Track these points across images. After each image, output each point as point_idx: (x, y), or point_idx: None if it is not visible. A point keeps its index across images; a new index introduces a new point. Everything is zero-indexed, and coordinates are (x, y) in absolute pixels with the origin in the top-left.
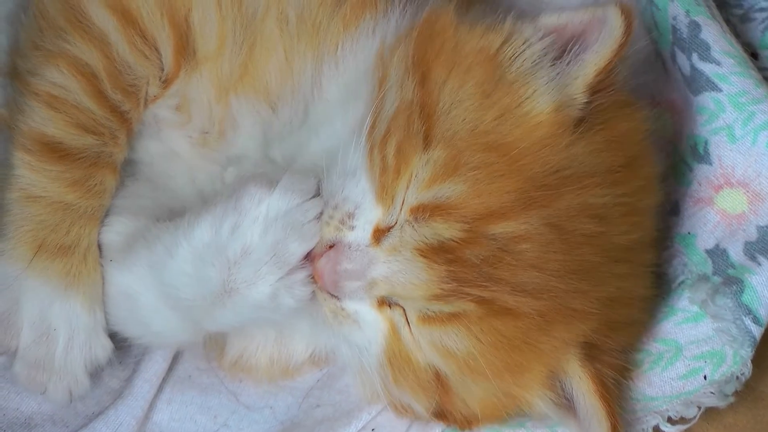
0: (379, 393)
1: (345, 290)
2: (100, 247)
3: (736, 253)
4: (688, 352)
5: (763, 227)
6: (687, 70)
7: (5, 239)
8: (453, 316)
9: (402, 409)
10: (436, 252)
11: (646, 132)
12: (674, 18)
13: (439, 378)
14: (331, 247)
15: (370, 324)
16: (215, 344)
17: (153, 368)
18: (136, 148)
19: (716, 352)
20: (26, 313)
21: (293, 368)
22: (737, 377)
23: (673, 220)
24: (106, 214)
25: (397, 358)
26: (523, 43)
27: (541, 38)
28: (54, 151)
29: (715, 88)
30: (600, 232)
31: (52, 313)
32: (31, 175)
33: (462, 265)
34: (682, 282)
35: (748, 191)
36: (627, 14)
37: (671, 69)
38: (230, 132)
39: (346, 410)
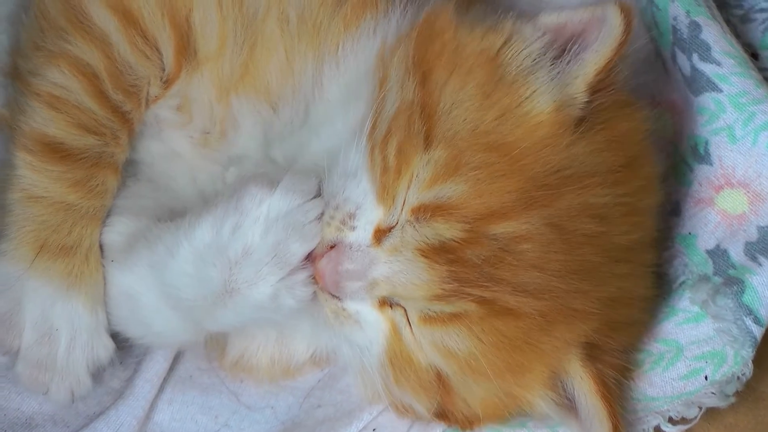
0: (380, 393)
1: (346, 291)
2: (101, 247)
3: (736, 254)
4: (689, 352)
5: (763, 227)
6: (687, 70)
7: (7, 240)
8: (454, 317)
9: (403, 410)
10: (437, 252)
11: (646, 132)
12: (675, 18)
13: (440, 378)
14: (332, 247)
15: (371, 324)
16: (216, 344)
17: (154, 368)
18: (138, 148)
19: (717, 353)
20: (28, 313)
21: (294, 368)
22: (738, 377)
23: (674, 221)
24: (108, 215)
25: (398, 359)
26: (523, 43)
27: (541, 37)
28: (55, 151)
29: (715, 88)
30: (601, 232)
31: (54, 313)
32: (33, 175)
33: (463, 265)
34: (683, 282)
35: (748, 192)
36: (626, 13)
37: (672, 69)
38: (231, 132)
39: (347, 410)
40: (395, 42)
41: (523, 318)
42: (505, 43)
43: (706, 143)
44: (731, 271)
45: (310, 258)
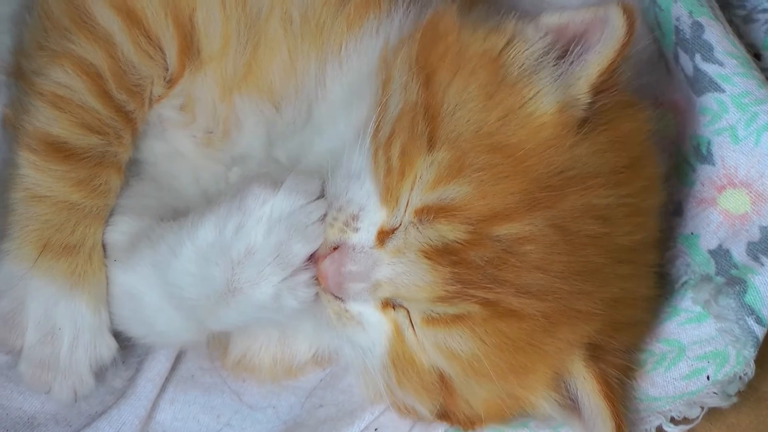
0: (382, 394)
1: (349, 292)
2: (104, 246)
3: (738, 254)
4: (691, 352)
5: (765, 227)
6: (690, 70)
7: (10, 239)
8: (457, 318)
9: (405, 410)
10: (441, 254)
11: (649, 132)
12: (677, 19)
13: (442, 379)
14: (335, 248)
15: (373, 326)
16: (218, 344)
17: (156, 368)
18: (141, 147)
19: (719, 353)
20: (31, 312)
21: (296, 368)
22: (740, 377)
23: (676, 221)
24: (111, 214)
25: (400, 360)
26: (525, 43)
27: (543, 38)
28: (59, 150)
29: (718, 88)
30: (604, 233)
31: (57, 312)
32: (36, 174)
33: (466, 266)
34: (685, 282)
35: (750, 192)
36: (629, 14)
37: (674, 69)
38: (234, 131)
39: (349, 410)
40: (398, 43)
41: (526, 319)
42: (507, 43)
43: (709, 143)
44: (733, 271)
45: (313, 259)
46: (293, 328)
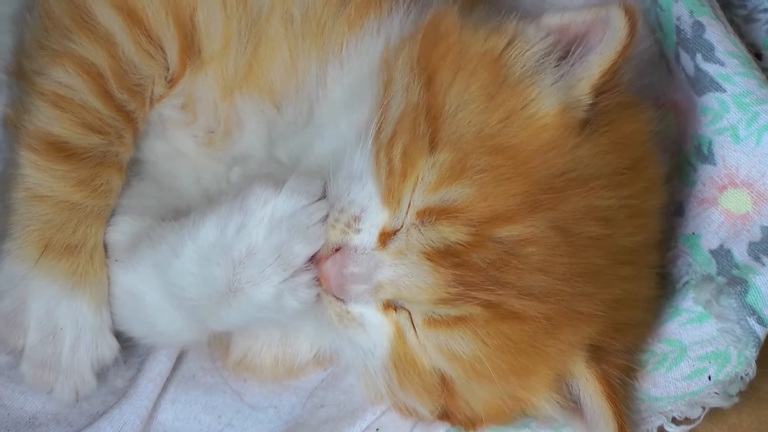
0: (383, 395)
1: (351, 293)
2: (105, 246)
3: (740, 254)
4: (693, 352)
5: (767, 227)
6: (691, 70)
7: (11, 239)
8: (459, 320)
9: (406, 411)
10: (443, 256)
11: (650, 133)
12: (678, 18)
13: (443, 381)
14: (337, 250)
15: (375, 327)
16: (220, 344)
17: (157, 368)
18: (142, 147)
19: (721, 353)
20: (33, 312)
21: (298, 368)
22: (741, 378)
23: (678, 221)
24: (112, 214)
25: (402, 362)
26: (527, 44)
27: (544, 38)
28: (60, 150)
29: (719, 88)
30: (606, 235)
31: (58, 312)
32: (38, 174)
33: (468, 268)
34: (687, 282)
35: (752, 192)
36: (631, 15)
37: (675, 69)
38: (235, 131)
39: (350, 410)
40: (399, 44)
41: (528, 321)
42: (508, 44)
43: (710, 143)
44: (735, 271)
45: (315, 260)
46: (295, 328)
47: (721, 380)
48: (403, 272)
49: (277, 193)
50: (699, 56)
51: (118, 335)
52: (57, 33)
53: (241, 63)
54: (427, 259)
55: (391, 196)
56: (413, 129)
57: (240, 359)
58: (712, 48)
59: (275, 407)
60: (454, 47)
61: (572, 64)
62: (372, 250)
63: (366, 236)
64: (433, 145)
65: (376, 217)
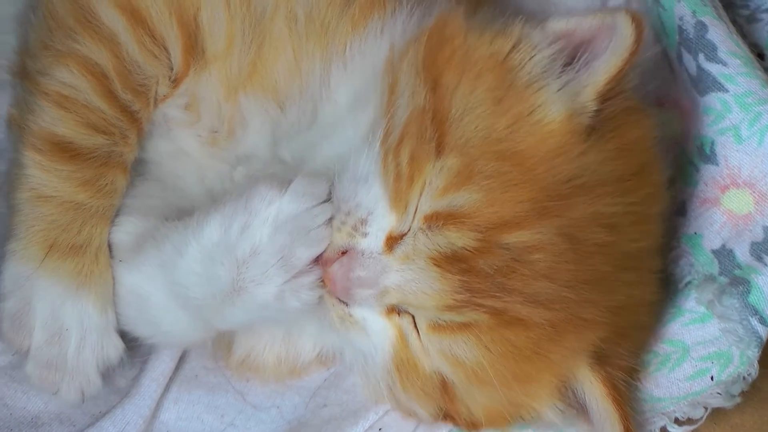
0: (384, 396)
1: (356, 297)
2: (109, 246)
3: (742, 254)
4: (695, 353)
5: None
6: (693, 70)
7: (16, 239)
8: (463, 326)
9: (407, 413)
10: (450, 261)
11: (654, 139)
12: (681, 18)
13: (444, 385)
14: (343, 253)
15: (376, 332)
16: (222, 343)
17: (160, 367)
18: (146, 147)
19: (723, 353)
20: (38, 313)
21: (300, 367)
22: (744, 378)
23: (680, 221)
24: (115, 214)
25: (404, 365)
26: (533, 49)
27: (550, 44)
28: (65, 150)
29: (721, 88)
30: (611, 242)
31: (64, 312)
32: (42, 174)
33: (475, 275)
34: (689, 282)
35: (754, 192)
36: (637, 22)
37: (678, 69)
38: (239, 131)
39: (353, 410)
40: (404, 46)
41: (533, 328)
42: (513, 47)
43: (712, 143)
44: (737, 271)
45: (321, 262)
46: (298, 327)
47: (724, 380)
48: (410, 277)
49: (282, 194)
50: (701, 56)
51: (123, 335)
52: (61, 33)
53: (245, 63)
54: (435, 264)
55: (398, 200)
56: (420, 133)
57: (243, 359)
58: (714, 48)
59: (278, 407)
60: (460, 50)
61: (578, 71)
62: (379, 254)
63: (373, 240)
64: (439, 150)
65: (383, 221)
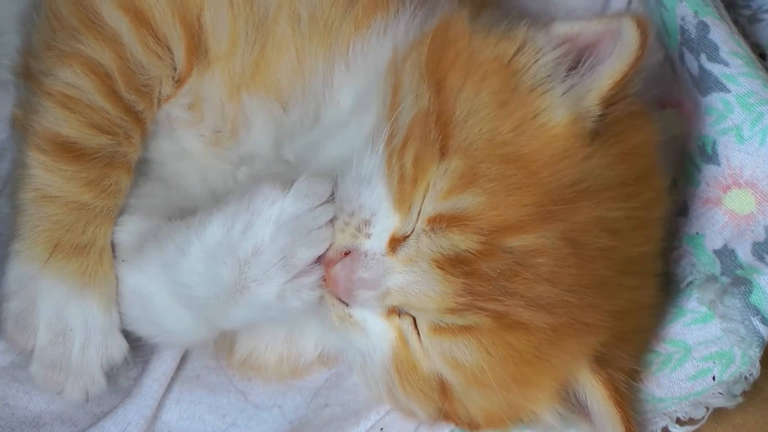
0: (384, 396)
1: (358, 299)
2: (112, 246)
3: (744, 254)
4: (697, 353)
5: None
6: (695, 70)
7: (20, 239)
8: (465, 329)
9: (407, 413)
10: (453, 264)
11: (657, 144)
12: (682, 19)
13: (443, 386)
14: (346, 254)
15: (376, 333)
16: (224, 343)
17: (162, 367)
18: (149, 147)
19: (725, 353)
20: (42, 313)
21: (302, 367)
22: (745, 378)
23: (682, 221)
24: (118, 214)
25: (403, 366)
26: (537, 52)
27: (555, 48)
28: (69, 151)
29: (723, 88)
30: (613, 246)
31: (68, 313)
32: (46, 175)
33: (478, 278)
34: (691, 282)
35: (756, 192)
36: (643, 28)
37: (679, 70)
38: (242, 131)
39: (354, 410)
40: (407, 48)
41: (534, 332)
42: (518, 50)
43: (714, 143)
44: (739, 271)
45: (324, 262)
46: (300, 327)
47: (726, 380)
48: (413, 279)
49: (285, 194)
50: (703, 56)
51: (126, 335)
52: (64, 33)
53: (248, 63)
54: (438, 267)
55: (402, 202)
56: (424, 135)
57: (245, 358)
58: (716, 48)
59: (280, 407)
60: (464, 52)
61: (582, 75)
62: (382, 255)
63: (376, 241)
64: (443, 152)
65: (386, 222)
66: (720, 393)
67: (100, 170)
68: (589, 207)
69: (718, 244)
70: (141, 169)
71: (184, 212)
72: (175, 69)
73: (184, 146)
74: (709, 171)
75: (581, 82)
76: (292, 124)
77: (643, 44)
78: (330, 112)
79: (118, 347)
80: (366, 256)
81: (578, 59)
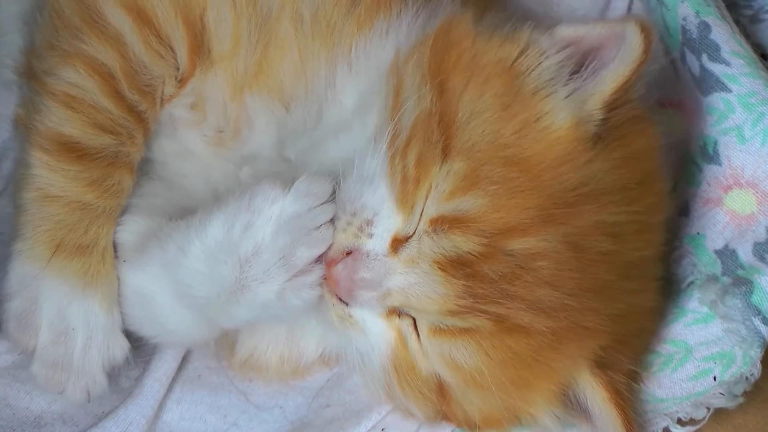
0: (382, 395)
1: (359, 299)
2: (114, 246)
3: (745, 254)
4: (698, 353)
5: None
6: (696, 70)
7: (23, 239)
8: (465, 331)
9: (405, 412)
10: (455, 266)
11: (659, 148)
12: (684, 19)
13: (441, 387)
14: (348, 253)
15: (375, 333)
16: (225, 343)
17: (163, 367)
18: (152, 147)
19: (726, 353)
20: (44, 312)
21: (303, 367)
22: (746, 378)
23: (683, 221)
24: (120, 214)
25: (402, 366)
26: (540, 55)
27: (558, 51)
28: (71, 150)
29: (724, 88)
30: (614, 250)
31: (70, 312)
32: (49, 174)
33: (479, 280)
34: (692, 283)
35: (757, 192)
36: (647, 33)
37: (681, 70)
38: (245, 130)
39: (355, 410)
40: (409, 49)
41: (534, 335)
42: (521, 52)
43: (715, 143)
44: (740, 272)
45: (325, 261)
46: (301, 327)
47: (727, 381)
48: (414, 281)
49: (285, 193)
50: (705, 56)
51: (128, 334)
52: (67, 33)
53: (250, 63)
54: (440, 268)
55: (405, 202)
56: (426, 136)
57: (246, 359)
58: (717, 48)
59: (281, 407)
60: (467, 54)
61: (585, 78)
62: (384, 256)
63: (378, 242)
64: (446, 153)
65: (388, 222)
66: (721, 393)
67: (102, 170)
68: (591, 211)
69: (719, 245)
70: (143, 168)
71: (187, 212)
72: (178, 69)
73: (186, 146)
74: (711, 171)
75: (584, 86)
76: (295, 124)
77: (646, 49)
78: (332, 112)
79: (120, 347)
80: (368, 256)
81: (581, 62)
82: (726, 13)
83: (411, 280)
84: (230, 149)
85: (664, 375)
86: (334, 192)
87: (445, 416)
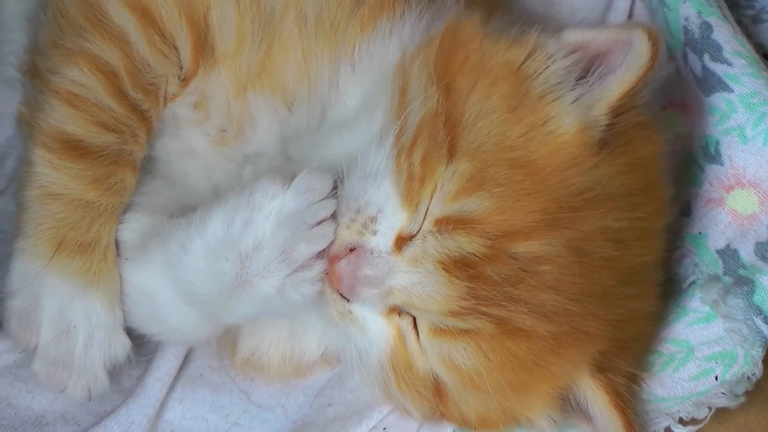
0: (379, 393)
1: (360, 296)
2: (116, 244)
3: (747, 254)
4: (700, 352)
5: None
6: (698, 70)
7: (25, 237)
8: (465, 332)
9: (402, 411)
10: (458, 266)
11: (663, 154)
12: (686, 19)
13: (438, 387)
14: (351, 250)
15: (374, 331)
16: (227, 342)
17: (165, 367)
18: (155, 145)
19: (727, 353)
20: (46, 310)
21: (305, 367)
22: (748, 377)
23: (685, 221)
24: (122, 212)
25: (400, 365)
26: (548, 59)
27: (566, 55)
28: (74, 149)
29: (726, 88)
30: (617, 256)
31: (72, 310)
32: (52, 172)
33: (482, 282)
34: (693, 282)
35: (759, 192)
36: (654, 40)
37: (683, 70)
38: (248, 130)
39: (357, 409)
40: (415, 50)
41: (535, 339)
42: (528, 55)
43: (717, 143)
44: (741, 271)
45: (328, 257)
46: (302, 326)
47: (728, 380)
48: (417, 280)
49: (285, 189)
50: (707, 56)
51: (129, 333)
52: (71, 32)
53: (254, 62)
54: (443, 269)
55: (410, 199)
56: (433, 135)
57: (247, 358)
58: (719, 48)
59: (282, 406)
60: (474, 55)
61: (591, 84)
62: (387, 254)
63: (382, 239)
64: (452, 153)
65: (393, 219)
66: (722, 393)
67: (105, 168)
68: (596, 216)
69: (721, 244)
70: (146, 167)
71: (189, 210)
72: (182, 68)
73: (189, 145)
74: (712, 171)
75: (590, 91)
76: (298, 123)
77: (653, 56)
78: (336, 112)
79: (122, 345)
80: (371, 253)
81: (588, 68)
82: (728, 13)
83: (414, 279)
84: (233, 148)
85: (665, 374)
86: (335, 188)
87: (441, 416)
